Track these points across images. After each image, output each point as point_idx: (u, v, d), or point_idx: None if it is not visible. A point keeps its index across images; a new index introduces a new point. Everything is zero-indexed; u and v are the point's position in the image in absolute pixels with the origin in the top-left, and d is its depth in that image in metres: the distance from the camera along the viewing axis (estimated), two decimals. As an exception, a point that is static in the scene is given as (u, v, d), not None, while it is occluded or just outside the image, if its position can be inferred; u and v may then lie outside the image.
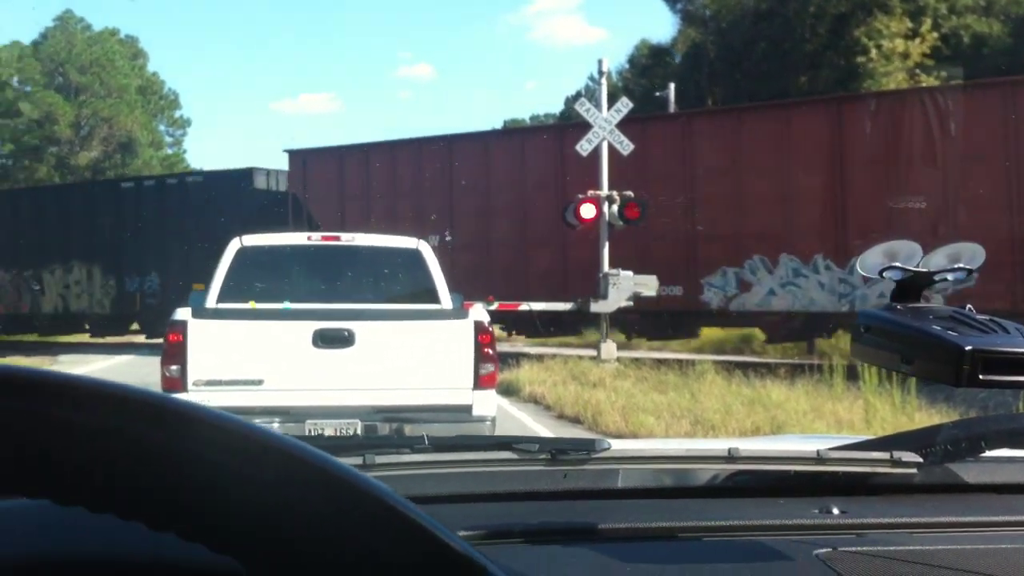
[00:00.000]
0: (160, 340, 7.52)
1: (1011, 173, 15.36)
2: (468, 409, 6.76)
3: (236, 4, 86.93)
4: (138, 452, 0.62)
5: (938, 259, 1.36)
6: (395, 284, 8.08)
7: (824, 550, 1.35)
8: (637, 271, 16.57)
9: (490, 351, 6.86)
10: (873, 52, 27.74)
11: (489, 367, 6.84)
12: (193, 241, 22.05)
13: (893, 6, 28.54)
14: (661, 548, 1.39)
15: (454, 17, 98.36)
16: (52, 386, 0.61)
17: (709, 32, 35.85)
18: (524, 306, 17.62)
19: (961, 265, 1.35)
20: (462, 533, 1.34)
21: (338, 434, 6.39)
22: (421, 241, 8.02)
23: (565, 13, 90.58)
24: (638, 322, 18.66)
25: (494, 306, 16.13)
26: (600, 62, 17.45)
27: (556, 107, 53.55)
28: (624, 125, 16.68)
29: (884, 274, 1.35)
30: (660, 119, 21.29)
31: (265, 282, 7.67)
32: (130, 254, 24.61)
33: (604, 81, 17.30)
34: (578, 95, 38.90)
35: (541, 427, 10.94)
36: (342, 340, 6.66)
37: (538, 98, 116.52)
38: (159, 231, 23.85)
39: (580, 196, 16.39)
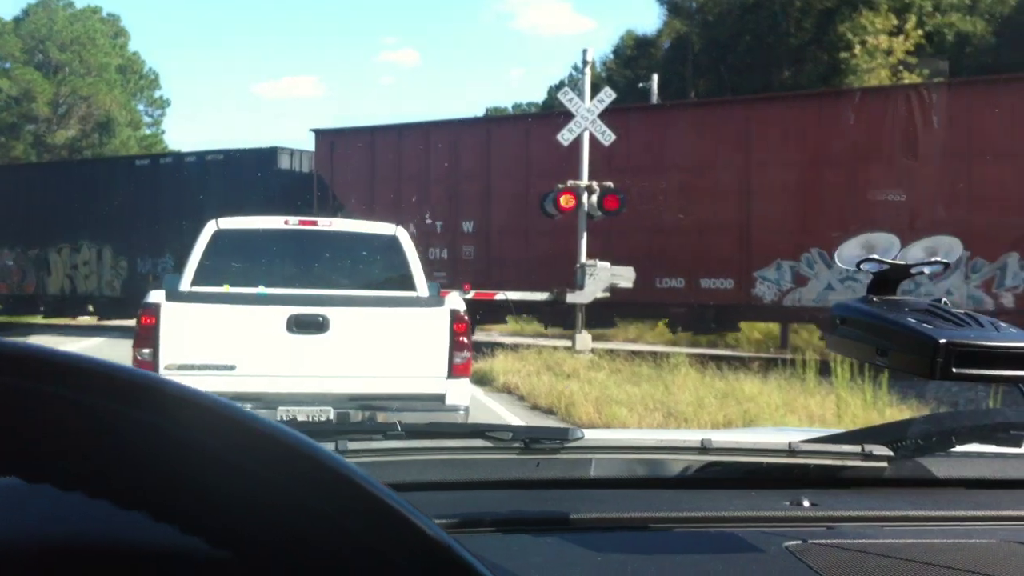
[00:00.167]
0: None
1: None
2: (441, 398, 6.75)
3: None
4: (113, 429, 0.60)
5: (915, 252, 1.35)
6: (372, 270, 8.05)
7: (794, 542, 1.35)
8: (685, 263, 16.56)
9: (465, 340, 6.84)
10: (857, 48, 27.84)
11: (464, 356, 6.82)
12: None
13: (879, 3, 28.67)
14: (632, 538, 1.38)
15: (440, 3, 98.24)
16: (31, 360, 0.59)
17: (695, 24, 35.90)
18: (500, 295, 17.62)
19: (938, 258, 1.34)
20: (434, 521, 1.32)
21: (310, 420, 6.36)
22: (399, 227, 7.98)
23: (552, 1, 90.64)
24: (683, 316, 18.21)
25: (470, 295, 16.13)
26: (584, 52, 17.42)
27: (540, 96, 53.52)
28: (684, 110, 16.49)
29: (861, 266, 1.34)
30: (719, 104, 20.47)
31: (241, 265, 7.62)
32: (143, 234, 23.89)
33: (588, 71, 17.28)
34: (562, 84, 38.99)
35: (514, 417, 10.95)
36: (316, 326, 6.62)
37: (523, 86, 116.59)
38: (175, 211, 22.85)
39: (559, 186, 16.39)
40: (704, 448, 1.65)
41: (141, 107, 53.79)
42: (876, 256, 1.34)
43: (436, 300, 7.17)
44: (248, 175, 22.33)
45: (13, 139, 48.12)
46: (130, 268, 24.58)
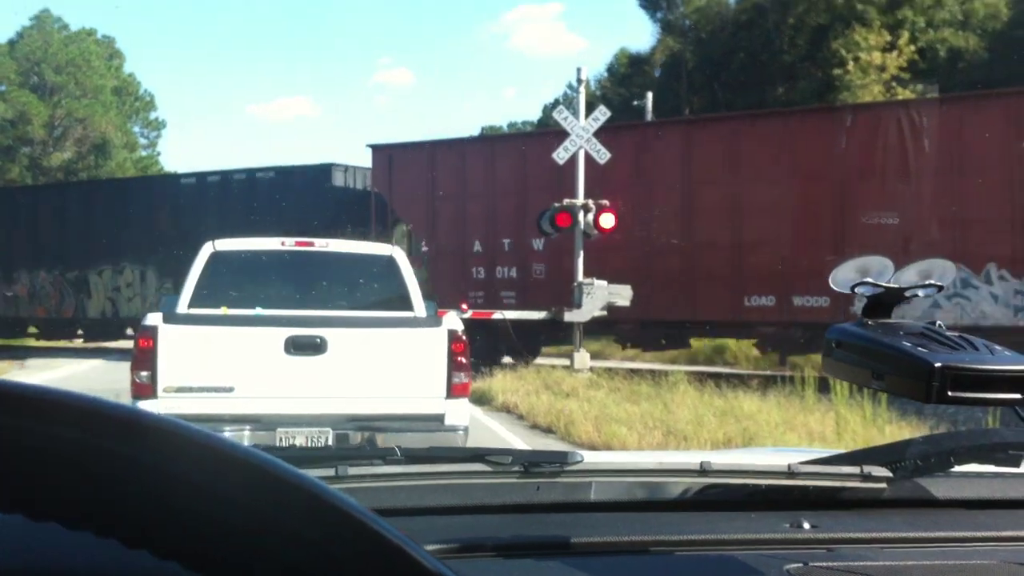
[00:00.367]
0: None
1: None
2: (440, 418, 6.73)
3: (214, 6, 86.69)
4: (100, 464, 0.60)
5: (909, 275, 1.36)
6: (369, 291, 8.04)
7: (795, 565, 1.35)
8: (776, 279, 16.11)
9: (463, 360, 6.83)
10: (850, 64, 27.96)
11: (462, 376, 6.81)
12: None
13: (872, 19, 28.81)
14: (633, 562, 1.39)
15: (434, 23, 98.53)
16: (10, 398, 0.60)
17: (688, 42, 36.05)
18: (497, 314, 17.62)
19: (932, 281, 1.35)
20: (434, 547, 1.33)
21: (309, 442, 6.35)
22: (395, 248, 8.00)
23: (545, 21, 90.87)
24: (773, 336, 17.48)
25: (468, 314, 16.12)
26: (579, 70, 17.49)
27: (535, 115, 53.70)
28: (759, 120, 16.31)
29: (856, 289, 1.35)
30: (821, 112, 19.82)
31: (238, 287, 7.62)
32: (189, 255, 23.11)
33: (582, 89, 17.34)
34: (556, 103, 39.06)
35: (514, 437, 10.93)
36: (314, 347, 6.62)
37: (517, 105, 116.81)
38: (222, 230, 22.23)
39: (556, 205, 16.42)
40: (703, 470, 1.66)
41: (137, 129, 53.86)
42: (870, 279, 1.35)
43: (434, 320, 7.16)
44: (300, 192, 21.83)
45: (9, 161, 48.12)
46: (176, 290, 24.09)
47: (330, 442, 6.38)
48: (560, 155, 16.58)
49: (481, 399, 13.54)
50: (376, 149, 21.51)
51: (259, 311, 7.20)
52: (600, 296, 16.40)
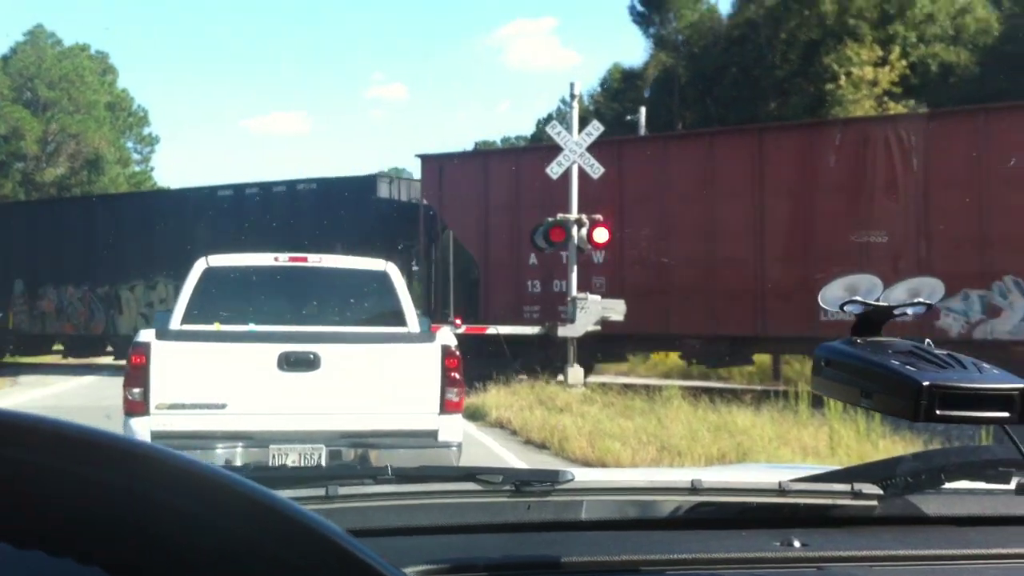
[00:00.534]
0: None
1: None
2: (434, 434, 6.72)
3: (208, 21, 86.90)
4: (71, 489, 0.60)
5: (898, 293, 1.37)
6: (362, 307, 8.03)
7: None
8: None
9: (457, 375, 6.82)
10: (842, 79, 28.09)
11: (455, 392, 6.80)
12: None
13: (863, 34, 28.94)
14: None
15: (428, 38, 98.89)
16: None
17: (681, 57, 36.16)
18: (491, 329, 17.60)
19: (921, 299, 1.36)
20: (424, 567, 1.33)
21: (302, 459, 6.33)
22: (389, 263, 7.99)
23: (539, 36, 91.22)
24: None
25: (461, 329, 16.11)
26: (572, 85, 17.52)
27: (528, 129, 53.81)
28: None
29: (845, 308, 1.35)
30: (895, 120, 19.24)
31: (231, 303, 7.60)
32: None
33: (575, 104, 17.38)
34: (550, 117, 39.18)
35: (508, 452, 10.91)
36: (307, 363, 6.60)
37: (510, 120, 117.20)
38: (261, 243, 21.35)
39: (549, 220, 16.44)
40: (694, 488, 1.66)
41: (130, 144, 53.86)
42: (859, 298, 1.35)
43: (427, 336, 7.15)
44: (344, 204, 21.19)
45: (2, 177, 48.06)
46: None
47: (323, 458, 6.35)
48: (554, 170, 16.61)
49: (475, 415, 13.52)
50: (426, 159, 20.89)
51: (252, 327, 7.18)
52: (594, 311, 16.41)
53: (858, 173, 16.43)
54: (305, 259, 7.92)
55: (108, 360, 24.56)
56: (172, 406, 6.41)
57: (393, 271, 7.91)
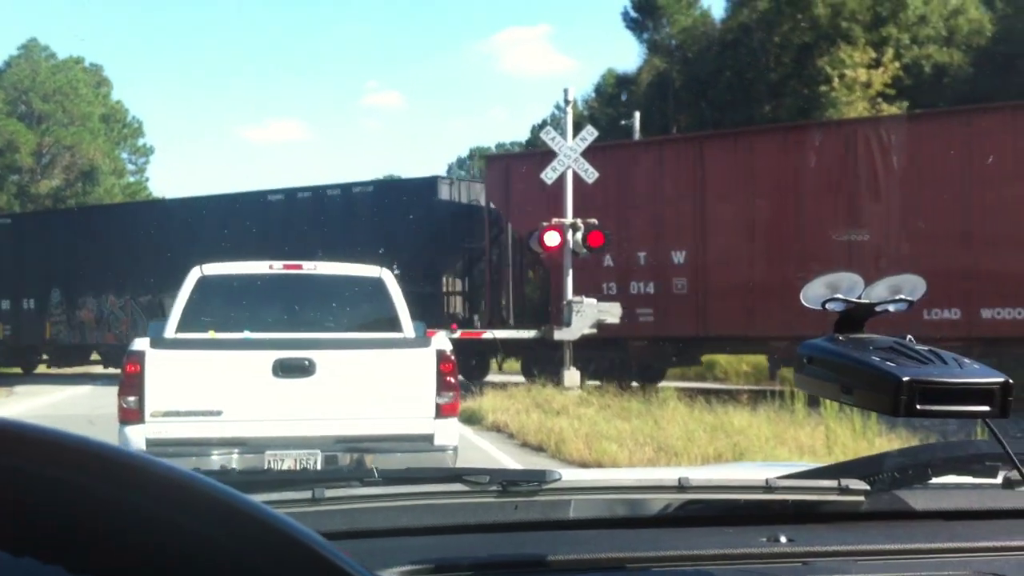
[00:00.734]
0: None
1: None
2: (430, 438, 6.72)
3: (202, 31, 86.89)
4: (42, 493, 0.61)
5: (879, 290, 1.38)
6: (357, 313, 8.04)
7: None
8: (961, 290, 15.02)
9: (452, 380, 6.83)
10: (836, 81, 28.13)
11: (451, 396, 6.80)
12: (365, 260, 19.14)
13: (856, 36, 28.97)
14: None
15: (423, 46, 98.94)
16: None
17: (675, 61, 36.19)
18: (487, 334, 17.61)
19: (902, 296, 1.37)
20: (409, 567, 1.33)
21: (298, 465, 6.33)
22: (383, 269, 8.00)
23: (534, 42, 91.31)
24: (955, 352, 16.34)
25: (456, 334, 16.12)
26: (566, 91, 17.55)
27: (524, 135, 53.87)
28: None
29: (826, 305, 1.36)
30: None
31: (226, 311, 7.61)
32: None
33: (570, 110, 17.42)
34: (544, 123, 39.20)
35: (504, 456, 10.92)
36: (302, 370, 6.60)
37: (505, 126, 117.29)
38: (316, 248, 19.83)
39: (543, 224, 16.46)
40: (682, 486, 1.66)
41: (125, 155, 53.88)
42: (840, 295, 1.36)
43: (422, 341, 7.16)
44: (403, 207, 20.57)
45: (-4, 190, 48.07)
46: None
47: (319, 464, 6.36)
48: (548, 175, 16.65)
49: (471, 418, 13.52)
50: (491, 159, 20.67)
51: (247, 334, 7.19)
52: (590, 314, 16.43)
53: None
54: (300, 266, 7.93)
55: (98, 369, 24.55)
56: (167, 414, 6.41)
57: (388, 277, 7.92)
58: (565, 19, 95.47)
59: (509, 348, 18.89)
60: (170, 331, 7.28)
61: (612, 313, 16.54)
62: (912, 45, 29.45)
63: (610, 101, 39.16)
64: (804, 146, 17.18)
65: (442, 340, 7.15)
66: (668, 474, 1.73)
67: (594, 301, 16.52)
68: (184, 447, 6.22)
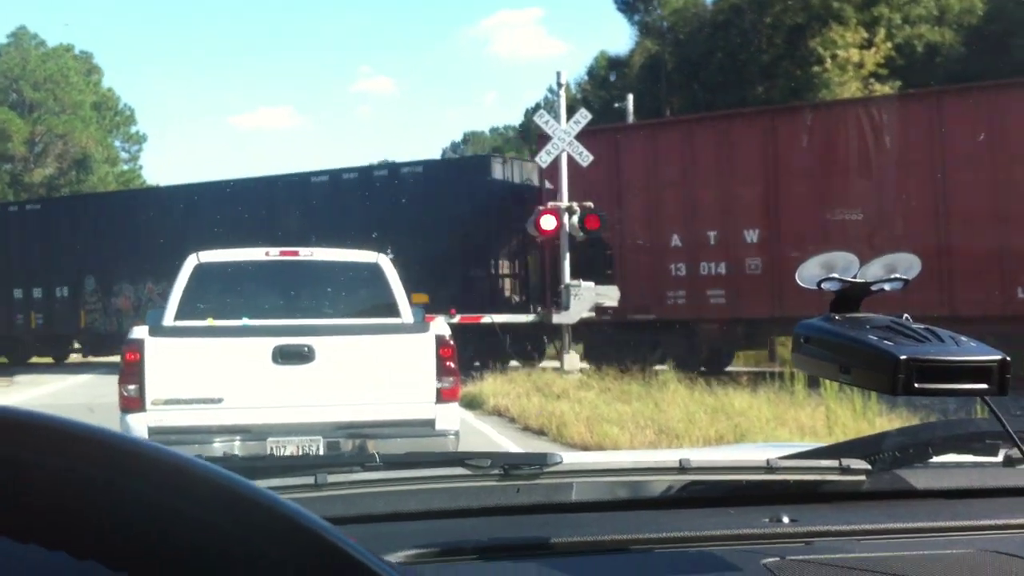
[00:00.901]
0: None
1: None
2: (431, 423, 6.74)
3: (192, 20, 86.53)
4: (75, 488, 0.62)
5: (875, 269, 1.38)
6: (355, 299, 8.04)
7: (772, 559, 1.36)
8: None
9: (451, 364, 6.85)
10: (828, 62, 28.09)
11: (451, 380, 6.82)
12: (413, 242, 19.09)
13: (848, 17, 28.92)
14: (613, 561, 1.40)
15: (414, 31, 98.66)
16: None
17: (667, 44, 36.11)
18: (486, 318, 17.61)
19: (897, 275, 1.37)
20: (412, 551, 1.34)
21: (300, 451, 6.35)
22: (380, 255, 8.00)
23: (526, 26, 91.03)
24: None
25: (455, 319, 16.12)
26: (559, 74, 17.54)
27: (517, 119, 53.82)
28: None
29: (822, 285, 1.37)
30: None
31: (224, 298, 7.61)
32: None
33: (563, 93, 17.41)
34: (538, 107, 39.14)
35: (506, 439, 10.94)
36: (302, 356, 6.61)
37: (498, 110, 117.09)
38: (365, 229, 19.47)
39: (540, 208, 16.47)
40: (683, 468, 1.67)
41: (118, 143, 53.77)
42: (836, 275, 1.37)
43: (421, 326, 7.17)
44: (453, 186, 20.06)
45: (-10, 179, 47.97)
46: None
47: (321, 450, 6.38)
48: (543, 159, 16.66)
49: (472, 403, 13.55)
50: (544, 137, 19.30)
51: (246, 321, 7.20)
52: (588, 298, 16.44)
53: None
54: (296, 253, 7.94)
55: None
56: (168, 401, 6.43)
57: (384, 262, 7.92)
58: (556, 2, 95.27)
59: (573, 331, 18.08)
60: (168, 319, 7.29)
61: (610, 296, 16.56)
62: (904, 25, 29.41)
63: (603, 84, 39.13)
64: (882, 120, 16.48)
65: (441, 325, 7.16)
66: (669, 456, 1.74)
67: (592, 284, 16.53)
68: (186, 435, 6.23)
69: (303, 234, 18.84)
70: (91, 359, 25.82)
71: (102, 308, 25.04)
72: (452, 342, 6.97)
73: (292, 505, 0.67)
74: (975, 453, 1.88)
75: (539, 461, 1.64)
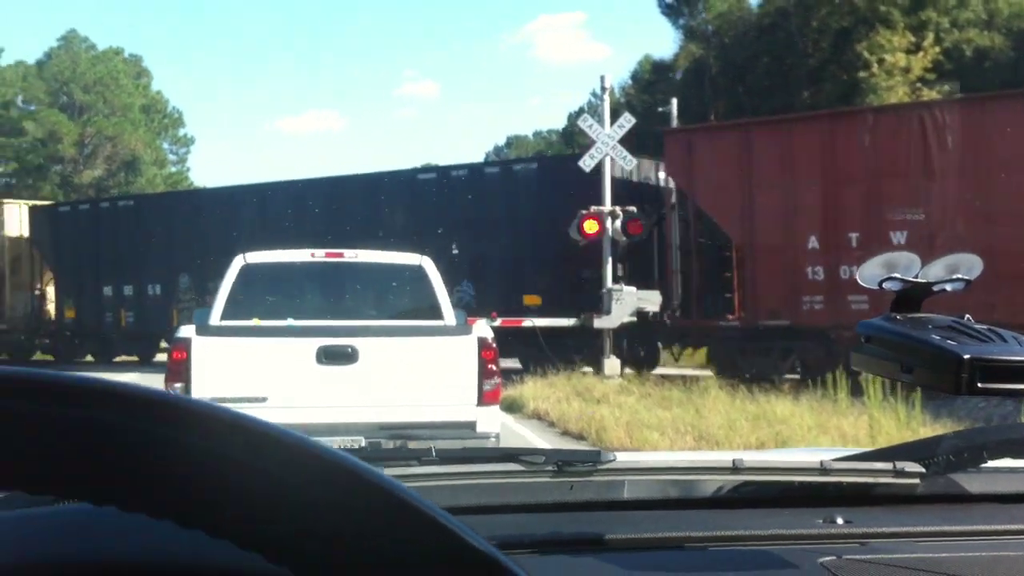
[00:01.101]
0: None
1: None
2: (472, 425, 6.76)
3: (240, 23, 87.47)
4: (154, 449, 0.63)
5: (936, 270, 1.38)
6: (399, 300, 8.10)
7: (828, 558, 1.36)
8: None
9: (493, 367, 6.86)
10: (875, 67, 27.82)
11: (493, 383, 6.84)
12: (525, 241, 18.89)
13: (895, 21, 28.63)
14: (668, 557, 1.40)
15: (459, 34, 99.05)
16: (56, 386, 0.62)
17: (711, 47, 35.96)
18: (527, 322, 17.61)
19: (959, 275, 1.37)
20: None
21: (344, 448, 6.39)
22: (424, 257, 8.04)
23: (569, 30, 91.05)
24: None
25: (497, 322, 16.15)
26: (602, 78, 17.51)
27: (560, 123, 53.84)
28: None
29: (883, 285, 1.37)
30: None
31: (269, 299, 7.69)
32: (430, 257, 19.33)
33: (607, 97, 17.38)
34: (581, 111, 39.17)
35: (545, 443, 10.93)
36: (346, 357, 6.66)
37: (542, 114, 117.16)
38: (470, 229, 19.27)
39: (583, 212, 16.46)
40: (736, 468, 1.67)
41: (166, 145, 54.49)
42: (898, 275, 1.36)
43: (464, 328, 7.20)
44: (568, 184, 19.08)
45: (40, 180, 48.74)
46: None
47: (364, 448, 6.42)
48: (586, 163, 16.64)
49: (512, 406, 13.54)
50: (671, 134, 18.84)
51: (291, 322, 7.26)
52: (630, 302, 16.40)
53: None
54: (341, 254, 8.00)
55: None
56: (213, 399, 6.47)
57: (428, 265, 7.96)
58: (600, 6, 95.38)
59: (694, 337, 17.68)
60: (215, 318, 7.37)
61: (652, 301, 16.50)
62: (952, 29, 29.07)
63: (646, 88, 39.00)
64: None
65: (483, 328, 7.18)
66: (721, 456, 1.73)
67: (633, 289, 16.49)
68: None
69: (407, 233, 18.58)
70: (128, 358, 25.86)
71: (195, 306, 24.82)
72: (494, 345, 6.98)
73: (406, 488, 0.68)
74: None
75: (592, 459, 1.64)
